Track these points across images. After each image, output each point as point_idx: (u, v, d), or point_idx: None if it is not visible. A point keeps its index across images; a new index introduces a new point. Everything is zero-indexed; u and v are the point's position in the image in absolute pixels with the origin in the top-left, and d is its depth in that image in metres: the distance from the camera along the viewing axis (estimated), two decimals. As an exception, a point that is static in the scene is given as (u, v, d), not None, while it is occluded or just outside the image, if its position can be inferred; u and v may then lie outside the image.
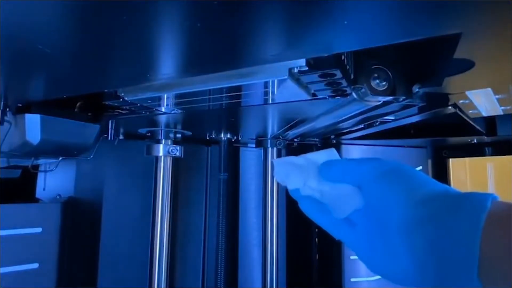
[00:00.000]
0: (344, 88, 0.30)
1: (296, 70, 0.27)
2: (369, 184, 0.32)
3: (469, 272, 0.24)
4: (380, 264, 0.31)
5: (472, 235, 0.24)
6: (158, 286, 0.59)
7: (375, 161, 0.33)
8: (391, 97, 0.32)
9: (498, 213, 0.24)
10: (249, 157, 0.80)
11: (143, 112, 0.44)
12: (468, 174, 1.21)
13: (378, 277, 0.81)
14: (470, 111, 0.47)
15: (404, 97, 0.32)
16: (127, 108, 0.43)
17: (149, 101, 0.41)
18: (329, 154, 0.36)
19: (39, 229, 0.61)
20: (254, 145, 0.74)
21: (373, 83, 0.31)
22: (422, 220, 0.28)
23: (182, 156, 0.62)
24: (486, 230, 0.24)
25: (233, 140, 0.65)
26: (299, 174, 0.37)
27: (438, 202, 0.28)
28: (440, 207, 0.27)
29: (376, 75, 0.31)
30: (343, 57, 0.27)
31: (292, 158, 0.39)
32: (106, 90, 0.38)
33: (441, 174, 0.94)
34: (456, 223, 0.26)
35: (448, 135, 0.72)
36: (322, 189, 0.34)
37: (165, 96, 0.41)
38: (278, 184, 0.69)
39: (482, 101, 0.42)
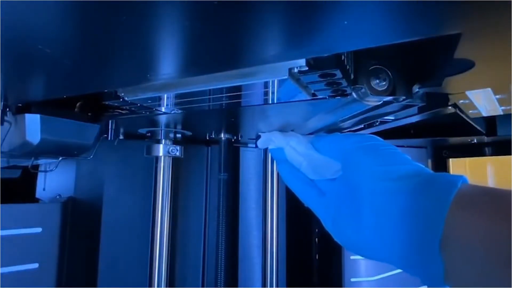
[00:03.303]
0: (344, 88, 0.30)
1: (296, 70, 0.27)
2: (349, 155, 0.33)
3: (432, 245, 0.25)
4: (346, 234, 0.31)
5: (440, 211, 0.25)
6: (158, 286, 0.59)
7: (358, 136, 0.35)
8: (391, 97, 0.32)
9: (466, 195, 0.25)
10: (249, 157, 0.80)
11: (143, 112, 0.44)
12: (468, 174, 1.21)
13: (379, 277, 0.81)
14: (470, 111, 0.47)
15: (404, 97, 0.32)
16: (127, 108, 0.43)
17: (149, 101, 0.41)
18: None
19: (39, 229, 0.61)
20: (254, 145, 0.74)
21: (373, 83, 0.31)
22: (393, 194, 0.28)
23: (182, 156, 0.62)
24: (452, 209, 0.25)
25: (233, 140, 0.65)
26: (282, 137, 0.40)
27: (411, 179, 0.29)
28: (412, 183, 0.28)
29: (376, 75, 0.31)
30: (343, 57, 0.27)
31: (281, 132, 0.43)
32: (106, 90, 0.38)
33: (441, 174, 0.93)
34: (426, 200, 0.26)
35: (448, 135, 0.72)
36: (307, 153, 0.37)
37: (165, 96, 0.41)
38: (278, 184, 0.69)
39: (482, 101, 0.42)
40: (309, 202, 0.36)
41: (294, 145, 0.38)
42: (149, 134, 0.60)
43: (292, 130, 0.43)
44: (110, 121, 0.54)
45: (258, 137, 0.45)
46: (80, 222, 0.67)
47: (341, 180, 0.34)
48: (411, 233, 0.26)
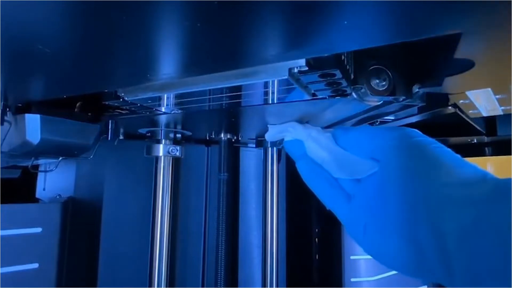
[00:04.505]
0: (344, 88, 0.30)
1: (296, 70, 0.27)
2: (390, 153, 0.28)
3: None
4: (384, 248, 0.27)
5: None
6: (158, 286, 0.59)
7: (398, 130, 0.29)
8: (391, 97, 0.32)
9: None
10: (249, 157, 0.80)
11: (143, 112, 0.44)
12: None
13: (379, 277, 0.81)
14: (470, 111, 0.47)
15: (404, 97, 0.32)
16: (127, 108, 0.43)
17: (149, 101, 0.41)
18: None
19: (39, 229, 0.61)
20: (254, 145, 0.74)
21: (373, 83, 0.31)
22: (460, 204, 0.23)
23: (182, 156, 0.62)
24: None
25: (233, 140, 0.65)
26: (302, 128, 0.34)
27: (479, 185, 0.24)
28: (482, 191, 0.23)
29: (376, 75, 0.31)
30: (343, 57, 0.27)
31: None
32: (106, 90, 0.38)
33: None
34: (504, 213, 0.22)
35: (448, 135, 0.72)
36: (332, 148, 0.31)
37: (165, 96, 0.41)
38: (278, 184, 0.69)
39: (482, 101, 0.42)
40: (332, 204, 0.31)
41: (316, 137, 0.32)
42: (149, 134, 0.60)
43: (307, 122, 0.37)
44: (110, 121, 0.54)
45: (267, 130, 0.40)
46: (80, 222, 0.68)
47: (376, 181, 0.29)
48: (484, 253, 0.22)
